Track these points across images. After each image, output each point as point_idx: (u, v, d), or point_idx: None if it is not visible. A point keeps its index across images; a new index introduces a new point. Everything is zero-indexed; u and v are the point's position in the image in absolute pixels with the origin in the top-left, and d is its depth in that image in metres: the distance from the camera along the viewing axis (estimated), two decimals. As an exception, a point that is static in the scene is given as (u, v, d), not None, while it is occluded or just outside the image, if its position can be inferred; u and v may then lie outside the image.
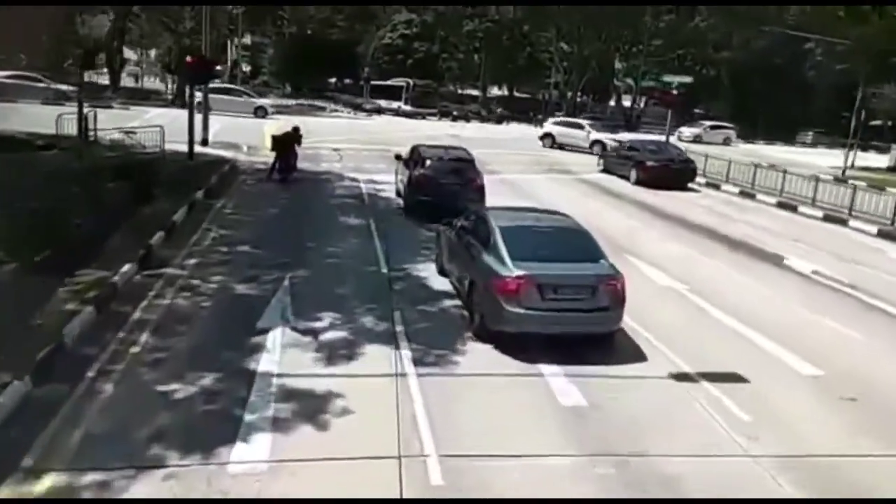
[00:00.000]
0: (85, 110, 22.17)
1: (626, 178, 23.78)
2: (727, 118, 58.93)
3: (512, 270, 8.05)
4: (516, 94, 77.47)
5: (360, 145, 28.94)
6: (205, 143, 23.94)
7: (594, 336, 8.32)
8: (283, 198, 16.98)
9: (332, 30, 72.03)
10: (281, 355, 7.93)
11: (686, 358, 8.40)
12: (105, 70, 57.37)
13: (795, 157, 38.14)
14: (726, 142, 49.18)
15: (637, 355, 8.42)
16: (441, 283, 10.77)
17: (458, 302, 9.81)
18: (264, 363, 7.70)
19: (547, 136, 34.98)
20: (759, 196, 22.05)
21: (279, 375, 7.42)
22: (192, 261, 11.31)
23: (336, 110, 57.36)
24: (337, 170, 22.19)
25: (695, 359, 8.41)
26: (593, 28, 59.87)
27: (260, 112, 39.60)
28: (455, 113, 57.73)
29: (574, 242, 8.84)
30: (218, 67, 74.63)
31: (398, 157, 17.55)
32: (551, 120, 38.60)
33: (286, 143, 19.06)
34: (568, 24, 59.77)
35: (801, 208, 20.20)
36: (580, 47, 60.96)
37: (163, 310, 9.18)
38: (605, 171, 25.66)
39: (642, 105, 68.48)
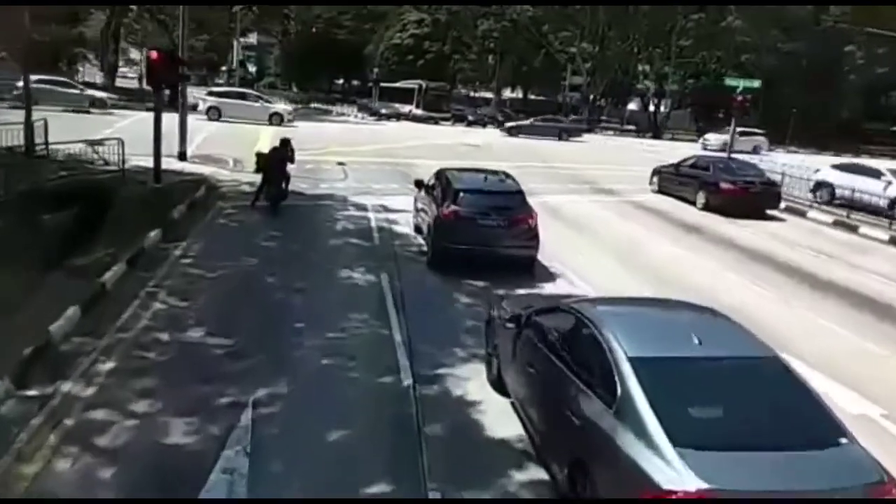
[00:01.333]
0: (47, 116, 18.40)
1: (691, 201, 19.64)
2: (756, 124, 54.88)
3: (681, 477, 3.92)
4: (531, 96, 73.44)
5: (368, 157, 24.93)
6: (182, 157, 19.96)
7: None
8: (267, 237, 12.91)
9: (339, 30, 68.21)
10: None
11: None
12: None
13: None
14: (756, 150, 44.56)
15: None
16: (502, 413, 6.69)
17: (543, 474, 5.68)
18: None
19: (823, 186, 21.63)
20: (862, 228, 17.84)
21: None
22: (109, 364, 7.26)
23: (343, 114, 53.37)
24: (340, 191, 18.17)
25: None
26: (620, 27, 55.72)
27: (275, 119, 35.39)
28: (470, 118, 53.71)
29: (779, 397, 4.65)
30: (223, 68, 71.17)
31: (419, 183, 13.50)
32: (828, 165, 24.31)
33: (275, 162, 15.03)
34: (592, 23, 55.62)
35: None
36: (604, 48, 56.78)
37: (18, 493, 5.15)
38: (661, 192, 21.51)
39: (664, 109, 64.25)
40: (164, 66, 15.70)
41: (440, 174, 12.56)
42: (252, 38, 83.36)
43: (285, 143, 15.38)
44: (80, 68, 64.78)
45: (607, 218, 17.44)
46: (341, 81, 76.40)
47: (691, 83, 62.26)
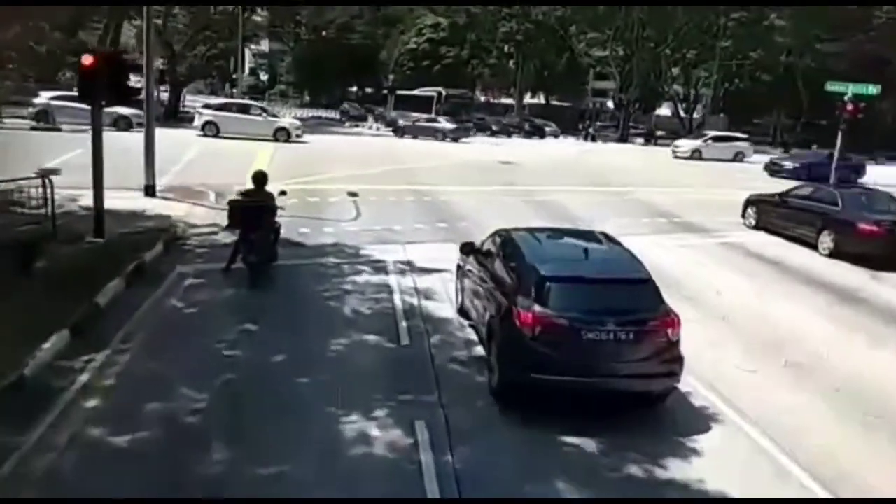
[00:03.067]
0: None
1: (809, 244, 14.96)
2: (788, 129, 50.07)
3: None
4: (553, 102, 68.77)
5: (385, 184, 20.42)
6: (149, 192, 15.53)
7: None
8: (235, 336, 8.29)
9: (352, 35, 64.09)
10: None
11: None
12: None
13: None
14: (738, 158, 38.67)
15: None
16: None
17: None
18: None
19: None
20: None
21: None
22: None
23: (357, 125, 48.88)
24: (350, 237, 13.67)
25: None
26: (657, 27, 50.88)
27: (281, 134, 31.07)
28: (494, 127, 49.24)
29: None
30: (234, 76, 66.74)
31: (467, 249, 8.97)
32: None
33: (254, 214, 10.47)
34: (627, 23, 50.83)
35: None
36: (638, 49, 51.99)
37: None
38: (760, 227, 16.83)
39: (696, 115, 59.35)
40: (111, 73, 11.25)
41: (506, 240, 7.97)
42: (264, 46, 79.54)
43: (261, 179, 10.77)
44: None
45: (715, 275, 12.75)
46: (355, 89, 72.11)
47: (725, 87, 57.46)
